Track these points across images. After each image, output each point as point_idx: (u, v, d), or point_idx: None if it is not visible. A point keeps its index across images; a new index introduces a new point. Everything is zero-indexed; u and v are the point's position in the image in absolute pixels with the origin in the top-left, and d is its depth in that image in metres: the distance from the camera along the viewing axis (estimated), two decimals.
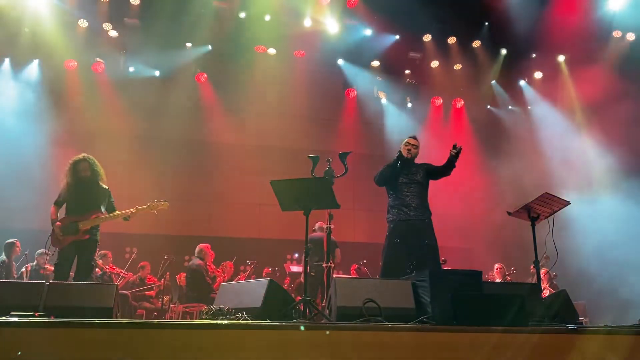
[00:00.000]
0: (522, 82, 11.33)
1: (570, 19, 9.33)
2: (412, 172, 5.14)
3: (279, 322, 3.27)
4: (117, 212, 5.38)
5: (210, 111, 10.50)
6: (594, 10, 9.41)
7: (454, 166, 5.00)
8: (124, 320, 3.17)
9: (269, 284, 3.97)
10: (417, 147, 5.22)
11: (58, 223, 5.19)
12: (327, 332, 2.84)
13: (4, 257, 7.30)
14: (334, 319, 3.77)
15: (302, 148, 9.60)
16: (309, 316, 3.91)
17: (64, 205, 5.33)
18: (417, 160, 5.31)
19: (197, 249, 7.79)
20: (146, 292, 8.28)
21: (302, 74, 10.55)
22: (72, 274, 5.39)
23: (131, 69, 9.89)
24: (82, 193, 5.26)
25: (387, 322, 3.59)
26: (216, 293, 5.17)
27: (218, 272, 8.19)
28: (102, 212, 5.28)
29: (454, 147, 4.86)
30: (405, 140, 5.25)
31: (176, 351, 2.62)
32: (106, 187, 5.45)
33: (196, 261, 7.57)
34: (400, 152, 5.09)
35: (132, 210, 5.40)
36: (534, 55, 10.69)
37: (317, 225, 7.84)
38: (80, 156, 5.37)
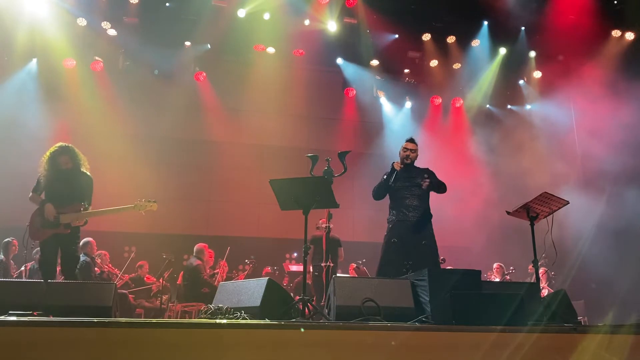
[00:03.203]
0: (521, 82, 11.33)
1: (570, 17, 9.35)
2: (413, 176, 5.17)
3: (278, 321, 3.27)
4: (101, 209, 5.17)
5: (209, 110, 10.47)
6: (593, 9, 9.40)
7: (440, 190, 5.16)
8: (123, 320, 3.16)
9: (268, 283, 3.97)
10: (415, 150, 5.25)
11: (49, 205, 4.89)
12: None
13: (2, 256, 7.28)
14: (333, 318, 3.77)
15: (301, 147, 9.60)
16: (308, 315, 3.91)
17: (42, 195, 5.08)
18: (419, 163, 5.33)
19: (195, 249, 7.76)
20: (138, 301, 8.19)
21: (301, 73, 10.54)
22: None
23: (130, 68, 9.86)
24: (62, 184, 5.02)
25: (386, 321, 3.59)
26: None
27: (217, 271, 8.19)
28: (83, 205, 5.00)
29: (422, 183, 5.02)
30: (403, 146, 5.28)
31: (175, 350, 2.62)
32: (89, 174, 5.17)
33: (194, 261, 7.55)
34: (393, 166, 5.13)
35: (116, 208, 5.16)
36: (533, 54, 10.70)
37: (320, 222, 7.60)
38: (58, 147, 5.10)
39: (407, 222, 5.02)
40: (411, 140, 5.30)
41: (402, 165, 5.13)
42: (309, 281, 7.39)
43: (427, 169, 5.31)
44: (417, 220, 5.02)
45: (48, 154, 5.12)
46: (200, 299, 7.10)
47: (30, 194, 5.15)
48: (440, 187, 5.16)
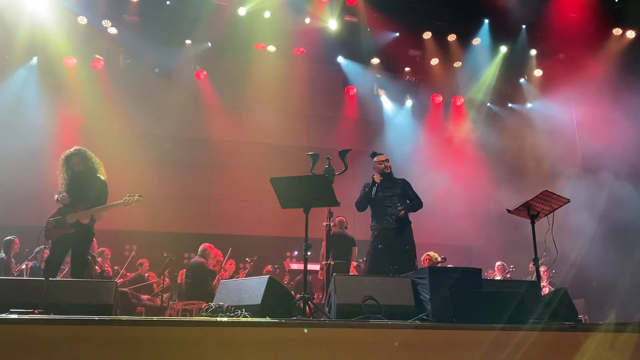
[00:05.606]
0: (522, 80, 11.32)
1: (571, 15, 9.33)
2: (392, 186, 5.59)
3: (279, 319, 3.27)
4: (96, 207, 5.18)
5: (209, 108, 10.47)
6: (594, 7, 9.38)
7: (416, 209, 5.57)
8: (124, 318, 3.16)
9: (269, 281, 3.97)
10: (389, 161, 5.70)
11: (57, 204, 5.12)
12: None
13: (3, 254, 7.29)
14: (333, 317, 3.77)
15: (302, 145, 9.60)
16: (309, 314, 3.91)
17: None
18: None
19: (200, 248, 7.77)
20: (143, 296, 8.22)
21: (302, 72, 10.53)
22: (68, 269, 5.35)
23: (130, 66, 9.85)
24: (74, 186, 5.21)
25: (387, 319, 3.59)
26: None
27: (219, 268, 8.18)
28: (86, 205, 5.13)
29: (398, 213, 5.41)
30: (377, 159, 5.70)
31: (176, 348, 2.62)
32: (104, 178, 5.32)
33: (198, 259, 7.56)
34: (373, 179, 5.55)
35: (107, 204, 5.25)
36: (534, 52, 10.69)
37: (337, 220, 7.39)
38: (72, 150, 5.31)
39: (390, 229, 5.42)
40: (380, 154, 5.74)
41: (381, 177, 5.55)
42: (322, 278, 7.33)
43: (404, 179, 5.69)
44: (399, 227, 5.42)
45: (63, 156, 5.30)
46: (202, 298, 7.10)
47: (55, 195, 5.31)
48: (415, 207, 5.57)
